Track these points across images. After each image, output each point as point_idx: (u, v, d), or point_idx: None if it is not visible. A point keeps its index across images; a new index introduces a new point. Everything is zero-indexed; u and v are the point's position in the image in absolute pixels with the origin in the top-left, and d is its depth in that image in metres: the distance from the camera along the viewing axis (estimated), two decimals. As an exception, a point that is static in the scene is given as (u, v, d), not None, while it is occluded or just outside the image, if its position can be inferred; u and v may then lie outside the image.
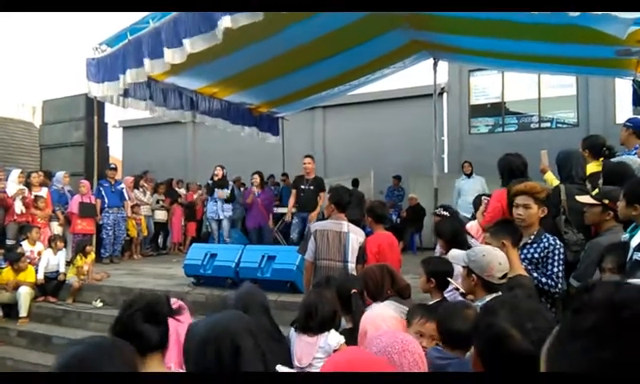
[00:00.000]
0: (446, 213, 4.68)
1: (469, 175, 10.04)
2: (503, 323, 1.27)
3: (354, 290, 3.05)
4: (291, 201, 8.54)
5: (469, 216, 5.78)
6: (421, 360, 1.74)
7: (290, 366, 2.87)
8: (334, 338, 2.96)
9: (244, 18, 5.99)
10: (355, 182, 11.69)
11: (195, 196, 12.24)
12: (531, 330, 1.25)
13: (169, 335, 1.92)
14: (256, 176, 10.01)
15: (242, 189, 11.60)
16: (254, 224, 9.86)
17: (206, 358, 1.47)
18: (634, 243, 2.73)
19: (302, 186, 8.25)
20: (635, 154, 4.43)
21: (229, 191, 9.78)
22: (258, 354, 1.53)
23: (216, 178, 9.67)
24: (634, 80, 7.93)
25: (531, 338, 1.23)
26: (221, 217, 9.69)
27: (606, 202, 3.33)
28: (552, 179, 4.73)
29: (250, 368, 1.46)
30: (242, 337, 1.50)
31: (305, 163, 8.29)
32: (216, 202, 9.66)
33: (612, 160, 4.38)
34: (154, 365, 1.81)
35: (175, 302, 2.07)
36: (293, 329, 3.11)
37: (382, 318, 2.71)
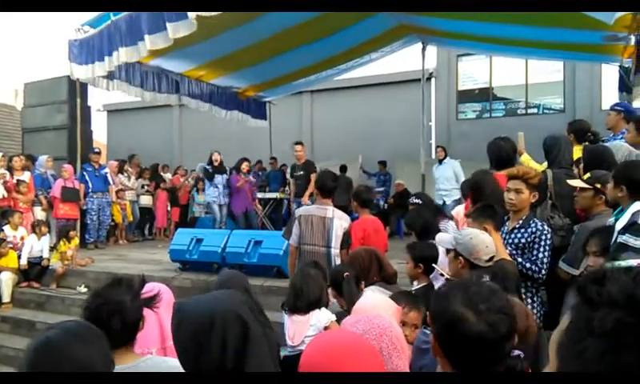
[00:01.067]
0: (418, 200, 4.67)
1: (441, 161, 9.64)
2: (457, 306, 1.26)
3: (346, 273, 3.06)
4: (292, 189, 8.86)
5: (440, 203, 5.72)
6: (399, 342, 1.74)
7: (277, 349, 2.88)
8: (324, 316, 3.01)
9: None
10: (343, 168, 11.66)
11: (182, 180, 12.13)
12: (485, 310, 1.24)
13: (139, 325, 1.83)
14: (246, 163, 9.93)
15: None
16: (241, 209, 9.81)
17: (211, 345, 1.29)
18: (618, 226, 2.74)
19: (296, 173, 8.48)
20: (622, 138, 4.45)
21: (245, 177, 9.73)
22: (264, 339, 1.42)
23: (216, 163, 9.59)
24: (620, 66, 7.95)
25: (485, 318, 1.23)
26: (222, 202, 9.62)
27: (598, 186, 3.34)
28: (528, 161, 4.76)
29: (259, 355, 1.33)
30: (248, 318, 1.35)
31: (295, 151, 8.45)
32: (217, 187, 9.59)
33: (593, 145, 4.41)
34: (120, 360, 1.69)
35: (151, 290, 1.95)
36: (284, 311, 3.14)
37: (382, 306, 2.71)
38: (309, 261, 3.88)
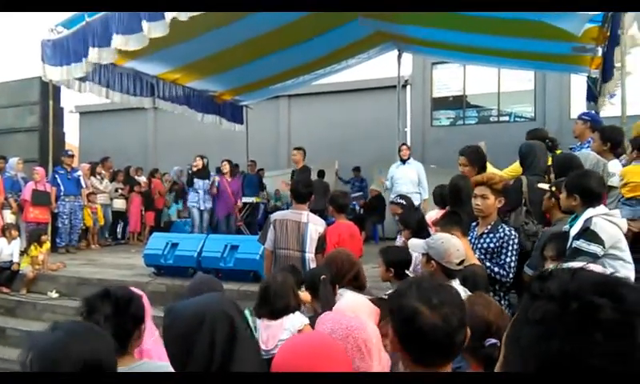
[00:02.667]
0: (403, 201, 4.76)
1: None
2: (413, 302, 1.36)
3: (323, 276, 3.09)
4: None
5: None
6: (364, 345, 1.74)
7: (258, 350, 2.89)
8: (298, 320, 3.03)
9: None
10: (321, 173, 11.70)
11: (166, 184, 12.03)
12: (438, 304, 1.34)
13: (133, 333, 1.84)
14: (225, 163, 9.84)
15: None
16: (224, 212, 9.74)
17: (199, 344, 1.32)
18: (573, 232, 2.88)
19: (294, 179, 8.46)
20: (588, 146, 4.61)
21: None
22: (251, 339, 1.46)
23: (195, 169, 9.50)
24: (588, 76, 8.22)
25: (439, 312, 1.33)
26: (202, 207, 9.52)
27: (554, 189, 3.48)
28: (490, 169, 4.90)
29: (245, 353, 1.37)
30: (236, 318, 1.40)
31: (293, 154, 8.54)
32: (197, 192, 9.50)
33: (562, 153, 4.57)
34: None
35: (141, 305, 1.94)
36: (256, 316, 3.14)
37: (361, 307, 2.74)
38: (284, 265, 3.91)
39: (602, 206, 2.98)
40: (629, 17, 5.02)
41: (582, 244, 2.80)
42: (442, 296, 1.37)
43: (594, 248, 2.77)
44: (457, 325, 1.33)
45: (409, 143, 15.18)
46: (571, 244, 2.88)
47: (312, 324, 2.99)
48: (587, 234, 2.81)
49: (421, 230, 3.94)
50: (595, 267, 2.28)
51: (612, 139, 4.46)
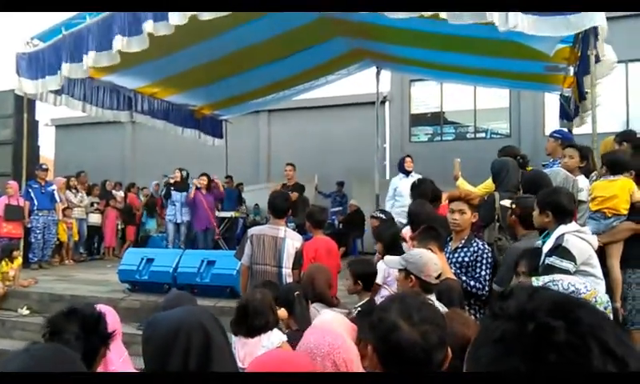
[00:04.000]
0: (382, 215, 4.79)
1: (408, 173, 8.11)
2: (393, 316, 1.35)
3: (297, 292, 3.08)
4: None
5: (404, 222, 5.27)
6: (344, 365, 1.69)
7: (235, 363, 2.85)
8: (276, 337, 2.98)
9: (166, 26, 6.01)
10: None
11: (143, 198, 11.88)
12: (418, 321, 1.33)
13: (96, 358, 1.78)
14: (203, 177, 9.73)
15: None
16: (201, 226, 9.64)
17: (174, 355, 1.32)
18: (545, 249, 2.93)
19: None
20: (559, 163, 4.72)
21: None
22: (228, 349, 1.45)
23: (172, 181, 9.40)
24: (561, 95, 8.43)
25: (418, 328, 1.32)
26: (179, 221, 9.40)
27: (513, 206, 3.55)
28: (463, 184, 4.98)
29: (221, 363, 1.37)
30: (212, 329, 1.40)
31: (285, 170, 8.64)
32: (174, 205, 9.38)
33: (531, 170, 4.67)
34: None
35: (111, 325, 1.89)
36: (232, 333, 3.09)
37: (336, 322, 2.73)
38: (260, 281, 3.88)
39: (573, 223, 3.04)
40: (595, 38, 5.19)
41: (554, 260, 2.84)
42: (424, 313, 1.36)
43: (566, 264, 2.81)
44: (436, 343, 1.32)
45: (387, 158, 15.43)
46: (544, 261, 2.92)
47: (289, 341, 2.97)
48: (559, 250, 2.85)
49: (393, 245, 3.96)
50: (573, 279, 2.33)
51: (587, 157, 4.60)
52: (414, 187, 4.78)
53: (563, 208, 3.00)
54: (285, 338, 3.01)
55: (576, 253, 2.84)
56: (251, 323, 2.97)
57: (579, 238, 2.91)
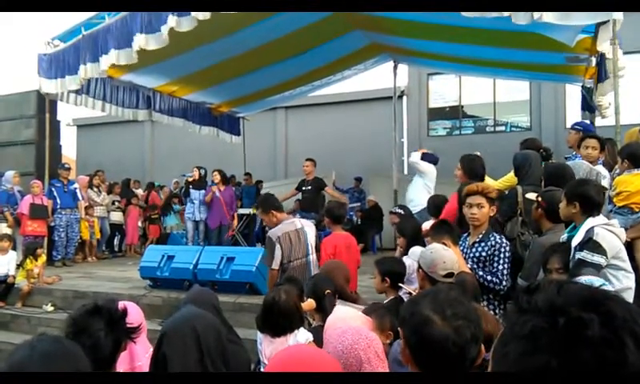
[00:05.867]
0: (401, 211, 4.77)
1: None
2: (425, 310, 1.34)
3: (327, 291, 3.08)
4: (297, 204, 9.33)
5: None
6: (383, 355, 1.79)
7: (248, 367, 2.86)
8: (302, 336, 2.96)
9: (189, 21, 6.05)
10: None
11: (163, 196, 12.02)
12: (451, 315, 1.32)
13: (116, 356, 1.78)
14: (216, 173, 9.74)
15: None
16: (215, 223, 9.70)
17: (190, 356, 1.34)
18: (574, 243, 2.86)
19: (303, 188, 8.63)
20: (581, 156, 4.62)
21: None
22: (218, 352, 1.45)
23: (190, 178, 9.50)
24: (582, 86, 8.26)
25: (451, 323, 1.30)
26: (197, 218, 9.48)
27: (539, 199, 3.48)
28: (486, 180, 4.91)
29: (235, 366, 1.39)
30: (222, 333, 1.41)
31: (304, 166, 8.63)
32: (193, 202, 9.48)
33: (553, 163, 4.58)
34: None
35: (134, 321, 1.89)
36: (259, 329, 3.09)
37: (351, 317, 2.74)
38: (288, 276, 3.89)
39: (601, 216, 2.96)
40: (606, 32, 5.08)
41: (585, 255, 2.76)
42: (457, 308, 1.34)
43: (598, 258, 2.73)
44: (469, 338, 1.30)
45: (405, 153, 15.32)
46: (574, 255, 2.85)
47: (314, 337, 2.97)
48: (590, 244, 2.77)
49: (416, 238, 3.95)
50: (595, 279, 2.29)
51: (603, 147, 4.53)
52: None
53: (591, 199, 2.93)
54: (311, 337, 2.99)
55: (607, 246, 2.76)
56: (276, 323, 2.95)
57: (609, 231, 2.84)
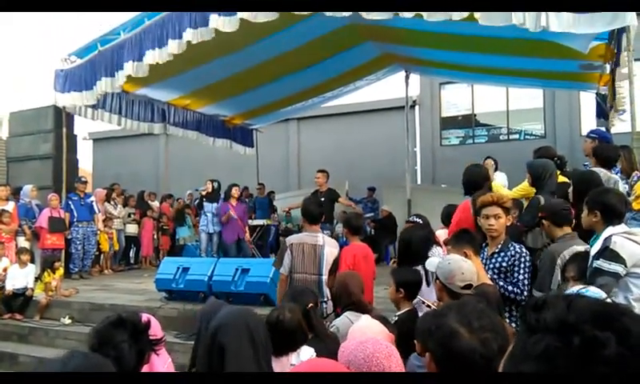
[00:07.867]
0: (419, 220, 4.72)
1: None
2: (452, 323, 1.33)
3: (310, 304, 3.06)
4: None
5: None
6: (403, 366, 1.81)
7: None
8: (305, 353, 2.94)
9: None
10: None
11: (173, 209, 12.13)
12: (478, 328, 1.31)
13: (140, 367, 1.81)
14: (236, 189, 9.74)
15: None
16: (232, 238, 9.70)
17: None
18: (592, 252, 2.84)
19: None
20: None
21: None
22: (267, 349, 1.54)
23: (204, 192, 9.57)
24: (597, 93, 8.19)
25: (478, 335, 1.30)
26: (211, 231, 9.53)
27: (540, 213, 3.51)
28: (499, 187, 4.85)
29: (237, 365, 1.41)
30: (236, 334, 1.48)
31: (316, 178, 8.54)
32: (206, 215, 9.53)
33: (579, 170, 4.53)
34: None
35: (155, 332, 1.94)
36: None
37: (375, 332, 2.72)
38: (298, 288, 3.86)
39: (622, 225, 2.93)
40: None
41: (602, 263, 2.74)
42: (484, 321, 1.34)
43: (615, 267, 2.70)
44: (496, 351, 1.28)
45: (419, 163, 15.29)
46: (591, 263, 2.83)
47: (318, 354, 2.96)
48: (607, 253, 2.75)
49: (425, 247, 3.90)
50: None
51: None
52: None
53: (613, 208, 2.90)
54: (314, 353, 2.97)
55: (625, 255, 2.73)
56: (280, 342, 2.93)
57: (629, 240, 2.80)
